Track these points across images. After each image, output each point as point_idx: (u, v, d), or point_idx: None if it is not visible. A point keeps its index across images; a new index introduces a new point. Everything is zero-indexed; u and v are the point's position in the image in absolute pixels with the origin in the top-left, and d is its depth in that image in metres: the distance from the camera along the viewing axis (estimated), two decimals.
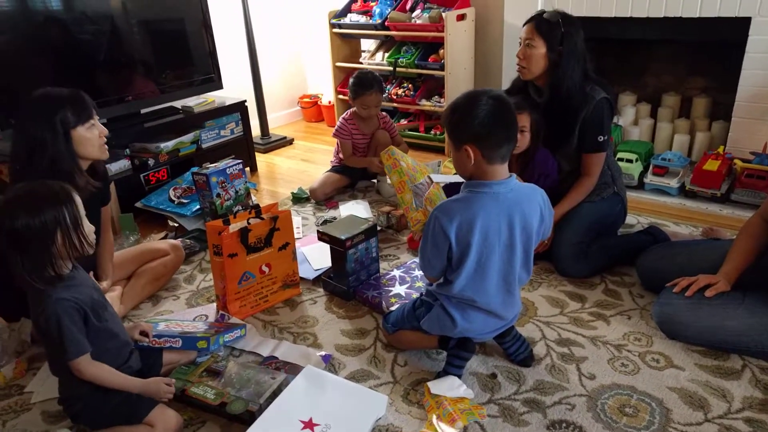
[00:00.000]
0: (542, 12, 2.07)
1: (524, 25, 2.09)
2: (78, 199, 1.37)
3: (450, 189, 2.15)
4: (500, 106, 1.44)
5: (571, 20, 2.05)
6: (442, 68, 3.43)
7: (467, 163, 1.46)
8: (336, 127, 2.99)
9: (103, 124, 2.75)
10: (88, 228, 1.38)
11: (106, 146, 1.85)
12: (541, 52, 2.04)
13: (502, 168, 1.47)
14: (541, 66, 2.07)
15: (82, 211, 1.37)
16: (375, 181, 2.99)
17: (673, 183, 2.73)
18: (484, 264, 1.48)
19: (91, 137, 1.77)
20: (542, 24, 2.04)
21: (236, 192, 2.59)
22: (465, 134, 1.45)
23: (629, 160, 2.83)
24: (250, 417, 1.46)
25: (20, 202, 1.29)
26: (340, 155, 3.05)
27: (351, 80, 2.91)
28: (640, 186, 2.83)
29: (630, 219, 2.47)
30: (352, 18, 3.78)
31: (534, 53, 2.05)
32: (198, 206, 2.63)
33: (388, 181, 2.81)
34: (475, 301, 1.53)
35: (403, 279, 2.08)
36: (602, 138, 2.09)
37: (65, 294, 1.33)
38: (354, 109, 2.95)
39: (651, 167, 2.83)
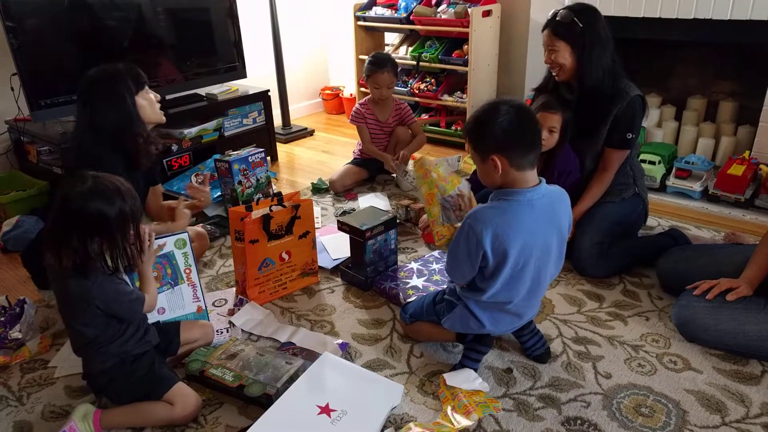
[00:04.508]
0: (555, 14, 2.04)
1: (542, 30, 2.08)
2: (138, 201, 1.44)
3: (479, 198, 2.14)
4: (521, 114, 1.42)
5: (586, 10, 2.01)
6: (465, 64, 3.42)
7: (494, 174, 1.43)
8: (352, 111, 3.02)
9: None
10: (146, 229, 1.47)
11: (161, 111, 1.98)
12: (566, 53, 2.02)
13: (532, 174, 1.45)
14: (572, 65, 2.04)
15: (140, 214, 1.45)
16: (394, 174, 2.99)
17: (696, 186, 2.71)
18: (520, 272, 1.46)
19: (149, 103, 1.91)
20: (558, 27, 2.01)
21: (257, 180, 2.61)
22: (490, 144, 1.42)
23: (652, 162, 2.81)
24: (268, 400, 1.48)
25: (96, 190, 1.33)
26: (361, 147, 3.06)
27: (366, 60, 2.93)
28: (662, 188, 2.80)
29: (651, 221, 2.45)
30: (377, 11, 3.79)
31: (560, 57, 2.03)
32: (219, 193, 2.66)
33: (409, 179, 2.83)
34: (506, 305, 1.52)
35: (421, 272, 2.08)
36: (631, 135, 2.06)
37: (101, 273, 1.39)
38: (370, 96, 2.97)
39: (674, 170, 2.80)
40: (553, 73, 2.12)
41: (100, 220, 1.32)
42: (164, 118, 2.00)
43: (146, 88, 1.91)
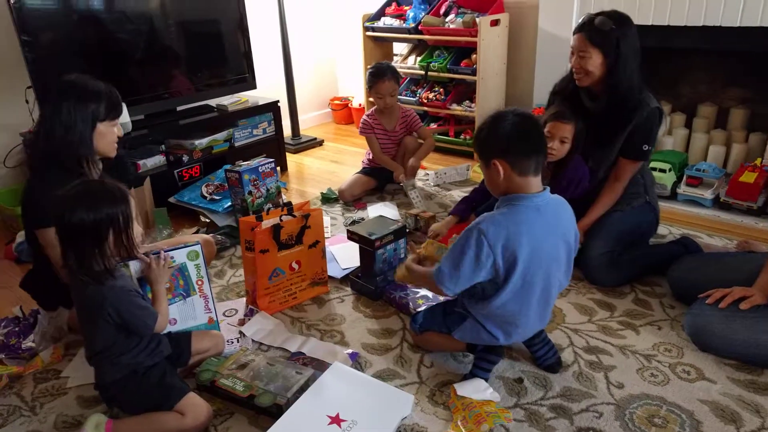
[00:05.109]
0: (592, 19, 1.98)
1: (574, 34, 2.02)
2: (132, 201, 1.43)
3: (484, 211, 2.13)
4: (525, 121, 1.45)
5: (623, 20, 1.97)
6: (473, 73, 3.43)
7: (498, 179, 1.45)
8: (360, 123, 3.03)
9: (140, 120, 2.88)
10: (137, 230, 1.45)
11: (116, 145, 1.87)
12: (598, 61, 1.98)
13: (536, 180, 1.45)
14: (599, 73, 2.01)
15: (134, 213, 1.43)
16: (401, 184, 2.98)
17: (708, 194, 2.69)
18: (531, 279, 1.45)
19: (109, 134, 1.80)
20: (594, 34, 1.96)
21: (267, 190, 2.63)
22: (491, 149, 1.45)
23: (662, 170, 2.79)
24: (278, 410, 1.48)
25: (78, 198, 1.35)
26: (370, 157, 3.08)
27: (367, 71, 2.95)
28: (673, 196, 2.79)
29: (662, 229, 2.43)
30: (386, 21, 3.81)
31: (590, 63, 1.99)
32: (230, 203, 2.68)
33: (414, 194, 2.83)
34: (517, 316, 1.51)
35: None
36: (647, 147, 2.05)
37: (119, 283, 1.40)
38: (376, 106, 2.99)
39: (685, 178, 2.78)
40: (576, 78, 2.07)
41: (84, 227, 1.33)
42: (114, 153, 1.87)
43: (115, 120, 1.81)
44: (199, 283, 1.75)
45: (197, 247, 1.73)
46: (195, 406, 1.46)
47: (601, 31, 1.96)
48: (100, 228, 1.35)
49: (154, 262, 1.54)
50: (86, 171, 1.76)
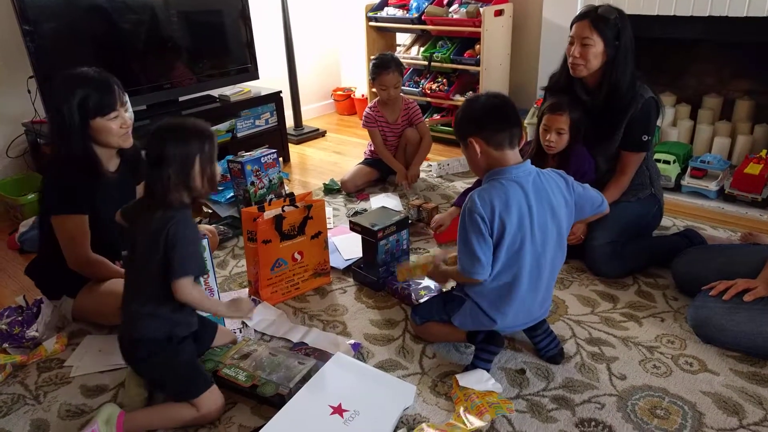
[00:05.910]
0: (596, 8, 1.99)
1: (577, 21, 2.02)
2: (216, 140, 1.46)
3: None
4: (496, 99, 1.53)
5: (623, 13, 2.00)
6: (477, 64, 3.41)
7: (476, 158, 1.51)
8: (363, 116, 3.02)
9: (142, 110, 2.87)
10: (217, 169, 1.47)
11: (129, 134, 1.78)
12: (599, 49, 1.97)
13: (513, 153, 1.50)
14: (598, 63, 2.00)
15: (216, 151, 1.46)
16: (404, 190, 2.96)
17: (712, 186, 2.68)
18: (518, 249, 1.48)
19: (112, 127, 1.71)
20: (599, 21, 1.96)
21: (270, 181, 2.62)
22: (467, 128, 1.52)
23: (667, 162, 2.78)
24: (280, 400, 1.48)
25: (170, 130, 1.40)
26: (372, 148, 3.06)
27: (371, 62, 2.93)
28: (677, 188, 2.77)
29: (666, 221, 2.42)
30: (389, 11, 3.79)
31: (591, 51, 1.97)
32: (232, 194, 2.68)
33: (413, 196, 2.82)
34: (510, 288, 1.52)
35: None
36: (646, 137, 2.05)
37: (192, 221, 1.44)
38: (378, 98, 2.97)
39: (689, 169, 2.77)
40: (573, 68, 2.04)
41: (175, 157, 1.37)
42: (130, 142, 1.79)
43: (115, 112, 1.70)
44: (205, 277, 1.75)
45: (204, 242, 1.72)
46: (213, 397, 1.47)
47: (606, 19, 1.96)
48: (189, 158, 1.39)
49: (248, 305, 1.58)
50: (101, 167, 1.75)
